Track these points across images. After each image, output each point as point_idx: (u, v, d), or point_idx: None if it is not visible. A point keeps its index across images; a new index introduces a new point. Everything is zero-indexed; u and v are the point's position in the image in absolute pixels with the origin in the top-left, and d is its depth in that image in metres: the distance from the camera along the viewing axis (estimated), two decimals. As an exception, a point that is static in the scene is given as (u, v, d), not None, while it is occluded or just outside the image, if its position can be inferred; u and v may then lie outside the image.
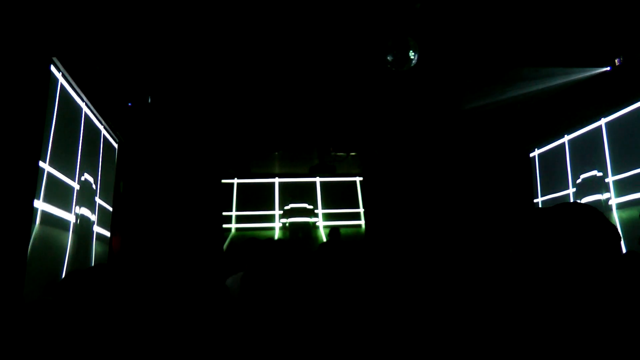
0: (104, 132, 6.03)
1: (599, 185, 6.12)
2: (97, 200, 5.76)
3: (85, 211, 5.19)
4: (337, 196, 10.69)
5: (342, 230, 8.15)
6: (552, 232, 1.21)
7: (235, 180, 10.38)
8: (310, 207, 10.53)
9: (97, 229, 5.77)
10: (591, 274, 1.15)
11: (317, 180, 10.71)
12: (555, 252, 1.19)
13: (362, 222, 10.53)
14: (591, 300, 1.15)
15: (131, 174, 7.35)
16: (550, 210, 1.27)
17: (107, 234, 6.35)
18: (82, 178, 5.08)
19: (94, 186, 5.55)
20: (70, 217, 4.65)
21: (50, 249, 4.18)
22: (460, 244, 7.49)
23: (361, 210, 10.60)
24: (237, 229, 10.24)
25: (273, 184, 10.67)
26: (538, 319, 1.20)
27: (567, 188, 6.84)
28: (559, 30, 4.89)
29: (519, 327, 1.24)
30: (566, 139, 6.95)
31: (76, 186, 4.81)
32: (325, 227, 10.33)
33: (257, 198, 10.44)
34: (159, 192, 8.40)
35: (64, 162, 4.44)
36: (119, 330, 1.64)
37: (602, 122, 6.02)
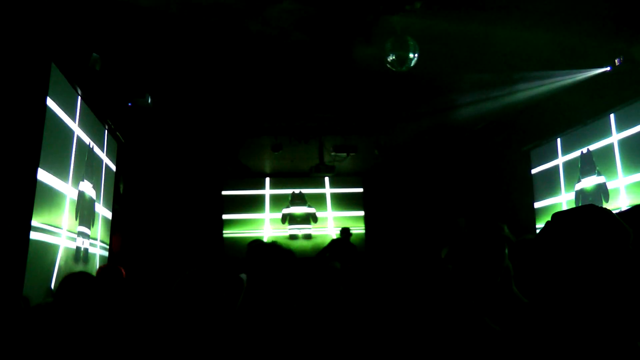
0: (105, 132, 6.02)
1: (600, 190, 6.05)
2: (99, 206, 5.72)
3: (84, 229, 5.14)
4: (342, 199, 9.99)
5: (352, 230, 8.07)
6: (566, 235, 1.19)
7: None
8: (312, 210, 9.86)
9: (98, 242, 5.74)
10: (601, 276, 1.14)
11: (326, 181, 9.89)
12: (565, 255, 1.18)
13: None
14: (599, 301, 1.14)
15: (131, 174, 7.34)
16: (565, 214, 1.26)
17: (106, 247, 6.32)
18: (82, 188, 5.02)
19: (94, 200, 5.51)
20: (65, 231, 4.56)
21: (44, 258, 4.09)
22: (459, 245, 7.48)
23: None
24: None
25: (265, 181, 9.88)
26: (547, 321, 1.19)
27: (561, 191, 6.82)
28: (559, 30, 4.89)
29: (525, 329, 1.23)
30: (560, 139, 6.92)
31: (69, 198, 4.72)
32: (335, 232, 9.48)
33: (248, 200, 9.70)
34: (158, 192, 8.39)
35: (59, 168, 4.39)
36: (117, 331, 1.64)
37: (610, 119, 5.92)
